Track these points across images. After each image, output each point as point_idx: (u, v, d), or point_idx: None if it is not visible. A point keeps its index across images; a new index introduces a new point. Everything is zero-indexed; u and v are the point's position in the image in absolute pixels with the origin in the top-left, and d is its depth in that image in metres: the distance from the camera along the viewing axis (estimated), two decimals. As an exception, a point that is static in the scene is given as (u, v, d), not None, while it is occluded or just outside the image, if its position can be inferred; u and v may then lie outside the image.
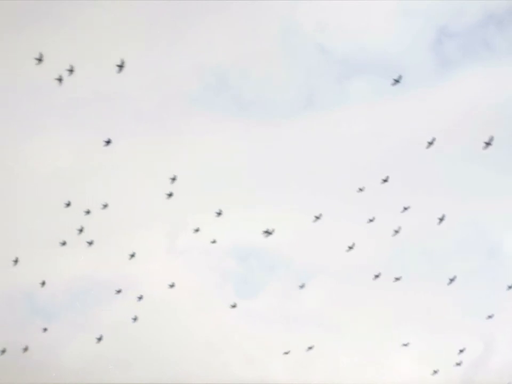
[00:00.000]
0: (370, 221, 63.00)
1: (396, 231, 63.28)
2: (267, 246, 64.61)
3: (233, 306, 63.27)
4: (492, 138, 59.52)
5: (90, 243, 62.03)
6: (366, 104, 71.91)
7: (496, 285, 64.15)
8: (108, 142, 59.59)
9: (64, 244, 62.16)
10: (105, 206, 62.61)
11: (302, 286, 64.54)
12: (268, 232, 61.25)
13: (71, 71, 56.93)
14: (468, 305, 63.08)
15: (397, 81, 60.23)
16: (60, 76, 56.52)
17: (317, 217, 64.02)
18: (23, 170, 64.69)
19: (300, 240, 63.93)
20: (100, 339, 61.30)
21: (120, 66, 57.76)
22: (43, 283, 61.87)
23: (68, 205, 62.10)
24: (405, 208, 63.06)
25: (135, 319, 61.64)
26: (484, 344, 63.58)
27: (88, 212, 61.97)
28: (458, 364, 61.51)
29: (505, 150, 67.76)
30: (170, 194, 60.84)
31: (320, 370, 62.66)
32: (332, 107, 72.48)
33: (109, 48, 69.24)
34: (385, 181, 62.55)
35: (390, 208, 65.28)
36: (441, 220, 62.08)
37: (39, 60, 56.34)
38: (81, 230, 61.36)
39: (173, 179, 61.48)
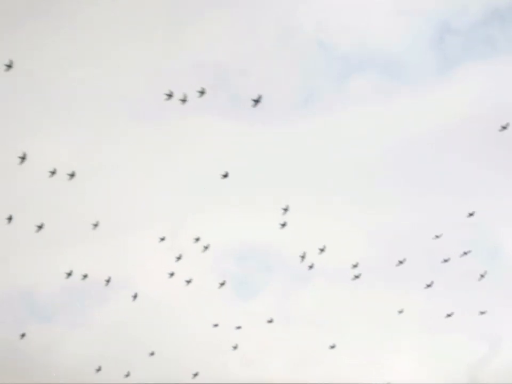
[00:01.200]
0: (224, 176, 60.47)
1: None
2: (266, 246, 64.29)
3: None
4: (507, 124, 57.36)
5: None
6: (366, 102, 71.18)
7: (499, 285, 63.67)
8: (226, 175, 59.00)
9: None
10: (104, 205, 62.25)
11: (301, 287, 64.29)
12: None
13: None
14: (469, 305, 62.29)
15: None
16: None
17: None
18: (22, 169, 64.54)
19: (299, 240, 63.30)
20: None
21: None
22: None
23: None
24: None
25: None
26: (488, 343, 63.07)
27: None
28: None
29: (508, 149, 67.37)
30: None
31: (319, 371, 62.14)
32: (331, 105, 71.71)
33: (107, 47, 68.74)
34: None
35: (386, 206, 64.54)
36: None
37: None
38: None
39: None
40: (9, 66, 54.23)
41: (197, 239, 62.51)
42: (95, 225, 60.11)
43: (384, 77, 73.24)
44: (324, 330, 63.06)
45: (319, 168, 66.60)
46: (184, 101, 54.99)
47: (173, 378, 60.19)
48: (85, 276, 61.78)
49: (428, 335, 61.94)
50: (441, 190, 64.55)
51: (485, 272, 62.40)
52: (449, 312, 61.76)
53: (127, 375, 60.01)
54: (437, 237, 61.57)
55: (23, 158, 56.52)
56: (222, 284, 62.71)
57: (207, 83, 66.06)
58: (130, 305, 62.86)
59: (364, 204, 64.44)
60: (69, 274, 59.74)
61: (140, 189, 64.90)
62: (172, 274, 62.03)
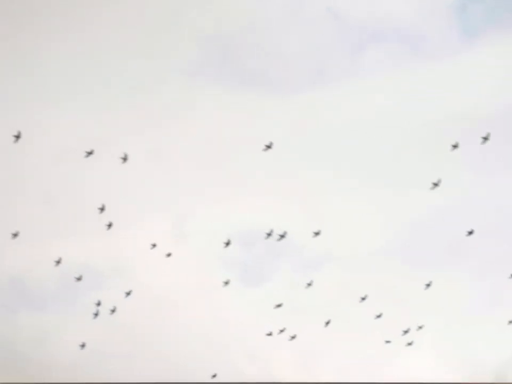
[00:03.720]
0: (267, 146, 57.42)
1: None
2: (273, 231, 61.52)
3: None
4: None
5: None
6: (381, 75, 69.33)
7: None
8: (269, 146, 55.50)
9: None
10: (103, 190, 60.61)
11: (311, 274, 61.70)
12: None
13: None
14: (492, 295, 59.40)
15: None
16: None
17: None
18: (23, 151, 62.77)
19: (309, 224, 60.79)
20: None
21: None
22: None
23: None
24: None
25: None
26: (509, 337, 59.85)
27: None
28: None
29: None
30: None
31: (330, 366, 59.72)
32: (344, 79, 69.92)
33: (109, 19, 67.30)
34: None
35: (407, 186, 62.30)
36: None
37: None
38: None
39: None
40: None
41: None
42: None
43: (402, 48, 70.92)
44: (337, 323, 60.66)
45: (333, 144, 64.49)
46: None
47: (172, 375, 58.18)
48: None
49: (451, 329, 58.82)
50: (468, 167, 61.70)
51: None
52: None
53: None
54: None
55: (17, 137, 54.50)
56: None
57: (214, 56, 64.50)
58: (129, 295, 61.18)
59: (383, 183, 61.87)
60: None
61: (141, 171, 63.02)
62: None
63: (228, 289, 61.52)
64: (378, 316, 60.71)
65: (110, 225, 58.60)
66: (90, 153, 54.93)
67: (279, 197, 62.55)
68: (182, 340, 60.75)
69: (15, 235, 56.01)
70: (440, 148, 63.32)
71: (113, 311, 58.44)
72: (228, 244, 57.40)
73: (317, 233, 57.51)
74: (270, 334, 58.49)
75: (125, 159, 54.14)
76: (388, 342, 58.77)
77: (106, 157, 62.57)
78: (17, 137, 53.90)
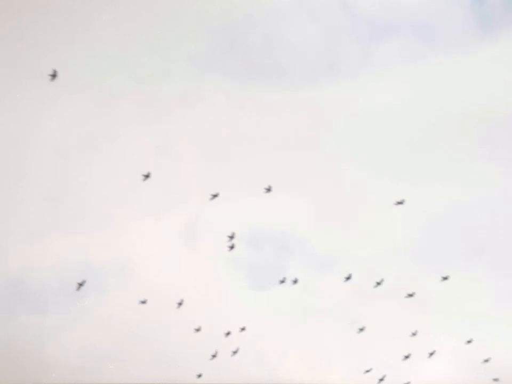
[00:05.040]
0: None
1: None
2: (283, 230, 60.34)
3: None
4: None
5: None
6: (395, 69, 67.90)
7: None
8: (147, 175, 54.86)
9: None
10: (106, 186, 59.58)
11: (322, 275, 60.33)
12: None
13: None
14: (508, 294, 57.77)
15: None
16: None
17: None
18: (22, 146, 61.59)
19: (320, 223, 59.60)
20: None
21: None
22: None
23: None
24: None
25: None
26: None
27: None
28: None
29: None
30: (147, 176, 56.11)
31: (341, 370, 58.56)
32: (356, 72, 68.52)
33: (112, 8, 66.03)
34: None
35: (423, 181, 60.92)
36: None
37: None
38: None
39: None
40: None
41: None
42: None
43: (415, 41, 69.34)
44: (348, 326, 59.41)
45: (346, 138, 63.00)
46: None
47: (176, 377, 57.61)
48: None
49: (469, 330, 57.30)
50: (490, 162, 60.28)
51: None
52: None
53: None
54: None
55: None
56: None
57: (222, 48, 63.20)
58: (132, 296, 60.22)
59: (398, 178, 60.39)
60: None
61: (147, 167, 61.89)
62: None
63: (236, 291, 60.68)
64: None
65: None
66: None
67: (288, 192, 61.44)
68: (187, 343, 60.04)
69: None
70: (456, 142, 62.09)
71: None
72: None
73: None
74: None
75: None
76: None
77: (109, 152, 61.41)
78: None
